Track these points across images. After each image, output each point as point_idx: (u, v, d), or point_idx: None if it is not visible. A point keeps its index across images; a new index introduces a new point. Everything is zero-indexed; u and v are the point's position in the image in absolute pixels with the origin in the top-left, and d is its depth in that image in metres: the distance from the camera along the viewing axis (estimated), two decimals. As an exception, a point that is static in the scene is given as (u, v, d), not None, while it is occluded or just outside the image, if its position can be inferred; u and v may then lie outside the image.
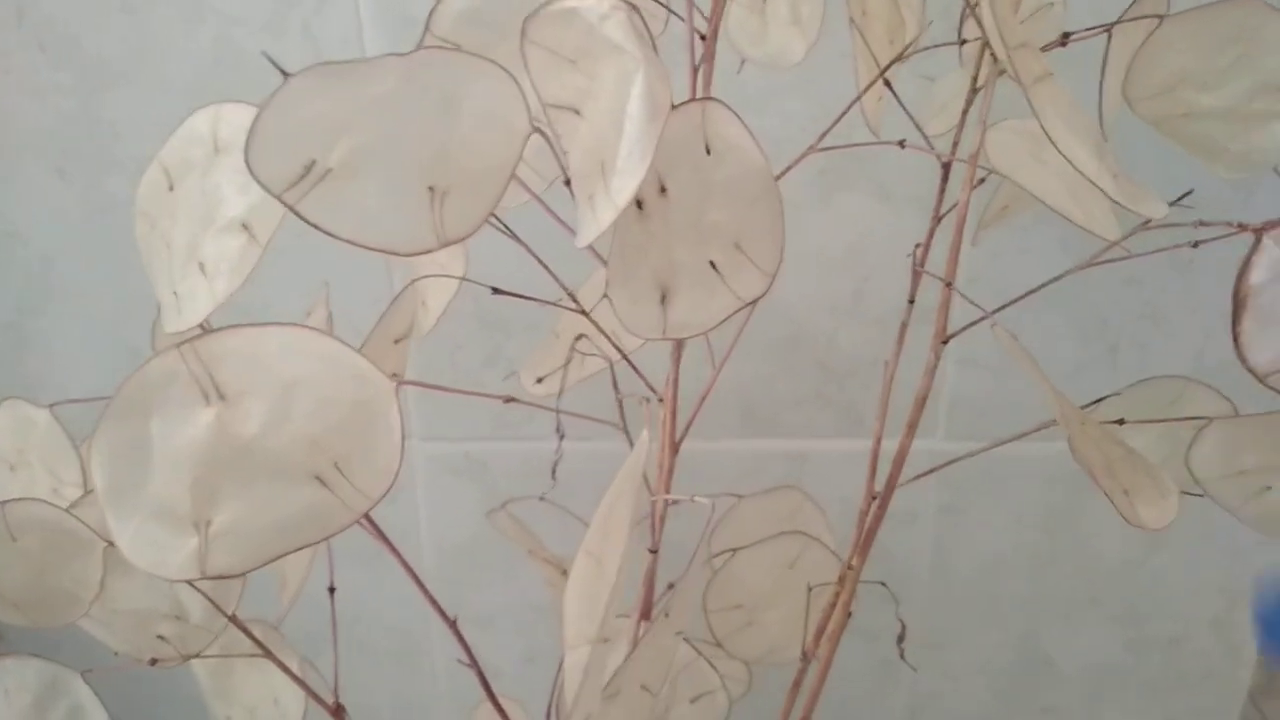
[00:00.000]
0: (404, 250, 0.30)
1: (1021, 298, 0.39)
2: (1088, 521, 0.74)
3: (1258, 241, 0.31)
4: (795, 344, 0.70)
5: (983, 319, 0.38)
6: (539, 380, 0.43)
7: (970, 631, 0.78)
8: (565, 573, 0.54)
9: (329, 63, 0.27)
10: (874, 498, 0.44)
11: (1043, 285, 0.39)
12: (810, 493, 0.73)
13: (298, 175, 0.28)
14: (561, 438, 0.35)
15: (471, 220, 0.30)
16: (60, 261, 0.69)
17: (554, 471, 0.37)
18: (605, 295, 0.32)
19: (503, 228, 0.41)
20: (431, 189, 0.29)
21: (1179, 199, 0.34)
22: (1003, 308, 0.39)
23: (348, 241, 0.29)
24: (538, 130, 0.31)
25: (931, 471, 0.46)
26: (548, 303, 0.42)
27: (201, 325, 0.34)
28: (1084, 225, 0.35)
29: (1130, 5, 0.43)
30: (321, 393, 0.31)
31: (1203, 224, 0.34)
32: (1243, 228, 0.31)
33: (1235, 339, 0.31)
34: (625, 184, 0.29)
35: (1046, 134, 0.32)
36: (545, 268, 0.41)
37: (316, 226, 0.28)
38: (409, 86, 0.28)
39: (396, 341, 0.43)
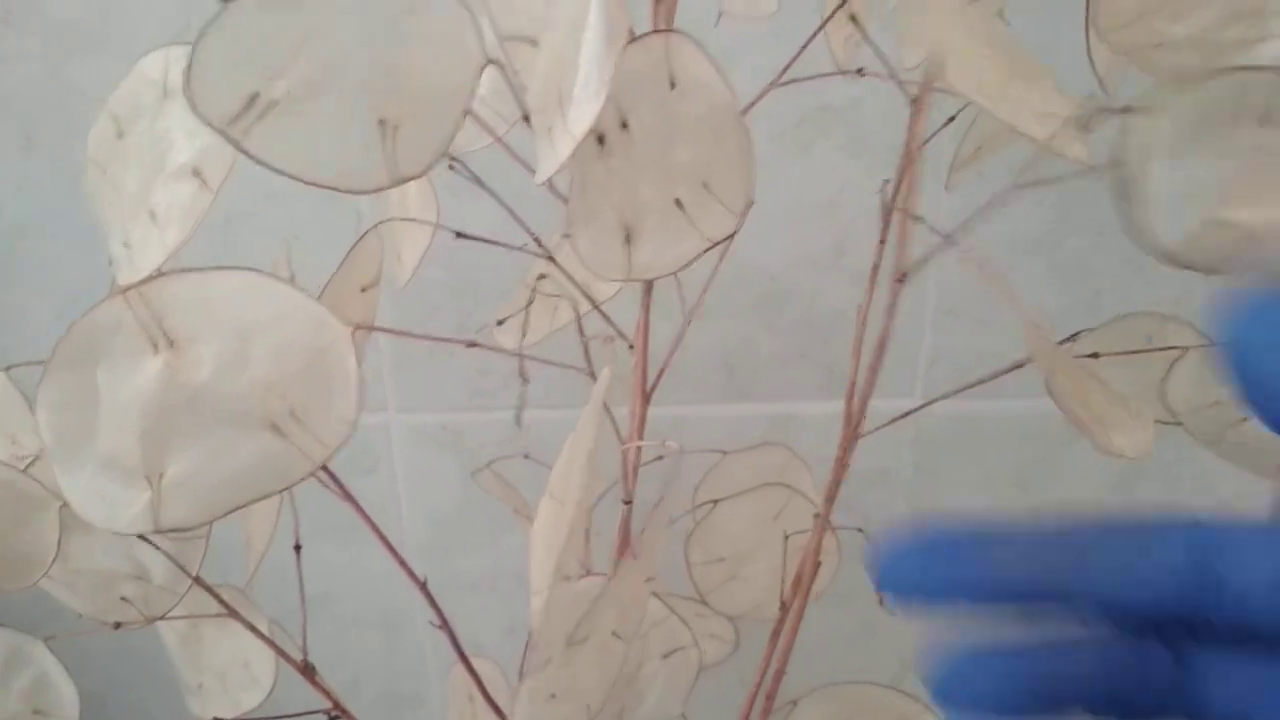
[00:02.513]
0: (357, 187, 0.29)
1: (972, 219, 0.39)
2: (1062, 479, 0.73)
3: (1128, 119, 0.30)
4: (776, 302, 0.69)
5: (941, 247, 0.38)
6: (500, 323, 0.42)
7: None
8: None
9: (267, -15, 0.26)
10: (851, 438, 0.43)
11: (983, 208, 0.38)
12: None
13: (240, 108, 0.27)
14: (525, 383, 0.34)
15: (426, 155, 0.29)
16: (29, 233, 0.67)
17: (518, 418, 0.36)
18: (565, 235, 0.31)
19: (468, 173, 0.40)
20: (383, 122, 0.28)
21: (1094, 99, 0.33)
22: (957, 230, 0.38)
23: (297, 178, 0.28)
24: (493, 62, 0.30)
25: (904, 416, 0.46)
26: (512, 247, 0.41)
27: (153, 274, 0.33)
28: (1047, 145, 0.34)
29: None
30: (276, 339, 0.30)
31: (1103, 109, 0.32)
32: (1116, 110, 0.30)
33: (1132, 226, 0.30)
34: (583, 112, 0.28)
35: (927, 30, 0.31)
36: (511, 213, 0.40)
37: (264, 163, 0.27)
38: (354, 12, 0.27)
39: (363, 289, 0.42)
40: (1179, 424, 0.39)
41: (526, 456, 0.48)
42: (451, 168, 0.41)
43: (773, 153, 0.64)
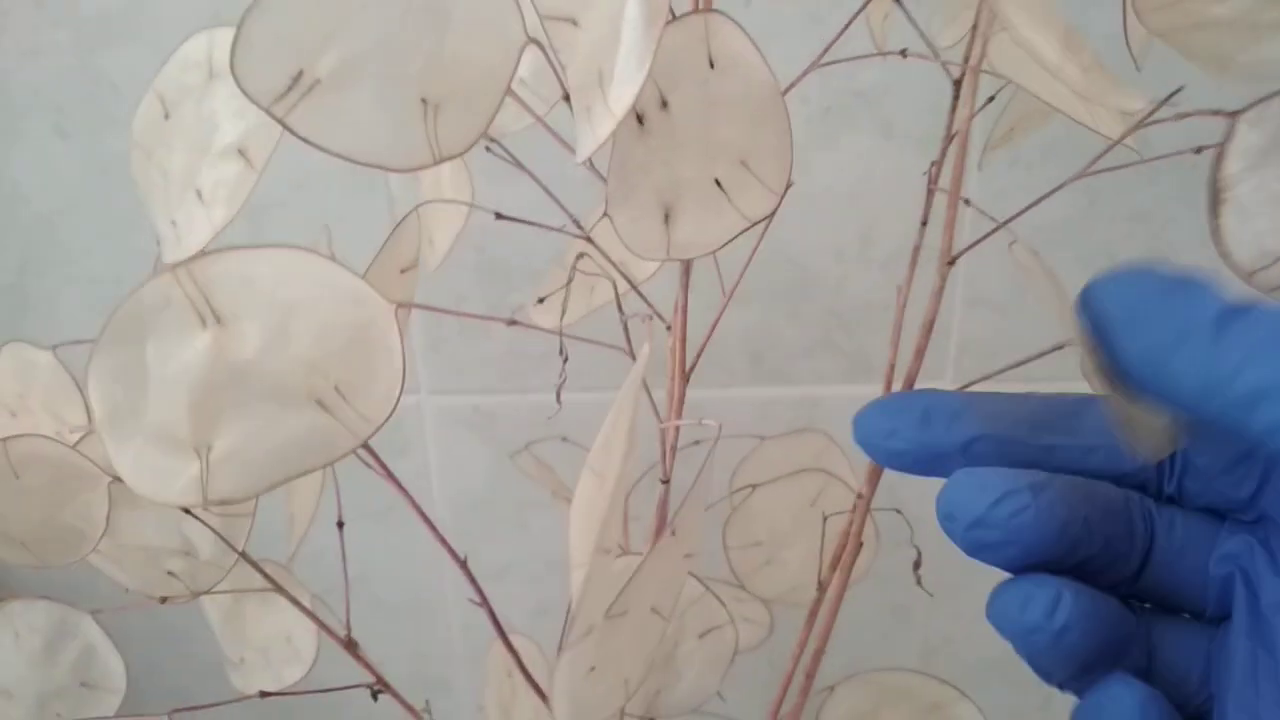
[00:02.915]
0: (399, 164, 0.29)
1: (1029, 208, 0.38)
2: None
3: (1232, 127, 0.30)
4: (803, 290, 0.69)
5: (995, 231, 0.37)
6: (540, 300, 0.42)
7: (981, 575, 0.77)
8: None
9: (314, -36, 0.26)
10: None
11: (1046, 196, 0.38)
12: (824, 438, 0.72)
13: (286, 86, 0.27)
14: (565, 359, 0.35)
15: (467, 134, 0.30)
16: (62, 221, 0.68)
17: (558, 395, 0.36)
18: (605, 214, 0.31)
19: (507, 155, 0.41)
20: (424, 101, 0.29)
21: (1169, 96, 0.33)
22: (1013, 218, 0.38)
23: (341, 155, 0.28)
24: (534, 42, 0.30)
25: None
26: (551, 228, 0.41)
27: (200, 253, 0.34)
28: (1089, 125, 0.34)
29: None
30: (320, 315, 0.30)
31: (1182, 115, 0.32)
32: (1217, 113, 0.30)
33: (1214, 235, 0.30)
34: (624, 92, 0.28)
35: (1004, 21, 0.31)
36: (549, 193, 0.40)
37: (308, 140, 0.28)
38: (398, -8, 0.27)
39: (403, 272, 0.43)
40: None
41: (564, 439, 0.49)
42: (489, 149, 0.41)
43: (801, 138, 0.64)
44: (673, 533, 0.29)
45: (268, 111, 0.27)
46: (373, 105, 0.28)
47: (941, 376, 0.71)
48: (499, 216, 0.39)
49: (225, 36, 0.35)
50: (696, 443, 0.51)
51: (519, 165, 0.40)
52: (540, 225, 0.39)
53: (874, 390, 0.49)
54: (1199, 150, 0.37)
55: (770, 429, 0.74)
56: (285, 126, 0.28)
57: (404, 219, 0.39)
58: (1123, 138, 0.35)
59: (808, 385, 0.72)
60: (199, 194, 0.34)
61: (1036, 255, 0.39)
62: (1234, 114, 0.30)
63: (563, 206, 0.40)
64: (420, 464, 0.74)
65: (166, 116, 0.36)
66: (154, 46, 0.66)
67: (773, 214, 0.35)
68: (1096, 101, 0.33)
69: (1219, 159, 0.30)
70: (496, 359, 0.70)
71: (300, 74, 0.27)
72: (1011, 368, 0.47)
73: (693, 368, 0.39)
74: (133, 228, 0.68)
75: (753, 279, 0.70)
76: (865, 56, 0.41)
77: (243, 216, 0.34)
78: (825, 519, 0.44)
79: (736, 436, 0.52)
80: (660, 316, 0.41)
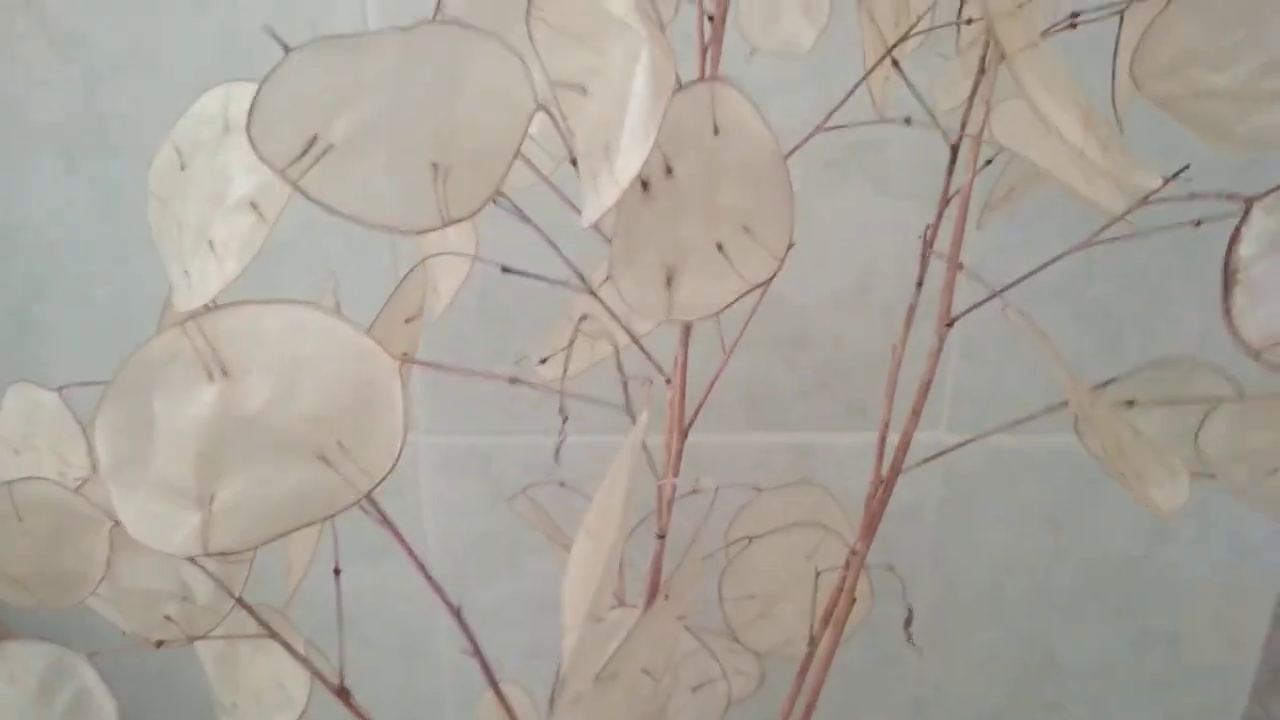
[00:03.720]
0: (408, 227, 0.30)
1: (1026, 277, 0.39)
2: (1091, 516, 0.73)
3: (1247, 212, 0.30)
4: (800, 338, 0.69)
5: (991, 298, 0.38)
6: (542, 361, 0.42)
7: (974, 627, 0.77)
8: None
9: (330, 36, 0.27)
10: (880, 483, 0.44)
11: (1044, 266, 0.39)
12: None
13: (300, 150, 0.28)
14: (565, 419, 0.35)
15: (476, 198, 0.30)
16: (66, 250, 0.69)
17: (557, 454, 0.37)
18: (609, 276, 0.32)
19: (513, 208, 0.41)
20: (435, 165, 0.29)
21: (1176, 174, 0.34)
22: (1009, 286, 0.39)
23: (351, 218, 0.29)
24: (543, 108, 0.31)
25: (939, 455, 0.46)
26: (555, 282, 0.41)
27: (209, 305, 0.34)
28: (1088, 197, 0.35)
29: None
30: (325, 370, 0.31)
31: (1195, 196, 0.33)
32: (1232, 198, 0.31)
33: (1226, 313, 0.30)
34: (629, 163, 0.29)
35: (1029, 100, 0.32)
36: (554, 247, 0.41)
37: (320, 203, 0.28)
38: (410, 61, 0.28)
39: (408, 321, 0.43)
40: (1211, 476, 0.39)
41: (562, 484, 0.49)
42: (496, 202, 0.42)
43: (799, 192, 0.65)
44: (666, 596, 0.29)
45: (281, 175, 0.28)
46: (384, 170, 0.29)
47: (936, 426, 0.71)
48: (505, 270, 0.40)
49: (241, 91, 0.36)
50: (694, 491, 0.51)
51: (524, 218, 0.41)
52: (544, 279, 0.40)
53: (869, 438, 0.49)
54: (1198, 224, 0.38)
55: (766, 475, 0.75)
56: (298, 189, 0.28)
57: (410, 271, 0.39)
58: (1126, 213, 0.36)
59: (804, 432, 0.72)
60: (211, 245, 0.35)
61: (1028, 317, 0.40)
62: (1250, 199, 0.31)
63: (566, 260, 0.41)
64: (414, 504, 0.74)
65: (183, 168, 0.36)
66: (162, 83, 0.67)
67: (773, 276, 0.35)
68: (1114, 179, 0.34)
69: (1234, 242, 0.31)
70: (492, 400, 0.71)
71: (315, 139, 0.28)
72: (1015, 423, 0.47)
73: (691, 423, 0.39)
74: (134, 256, 0.68)
75: (751, 326, 0.71)
76: (868, 123, 0.42)
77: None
78: (818, 574, 0.44)
79: (734, 487, 0.52)
80: (660, 370, 0.41)
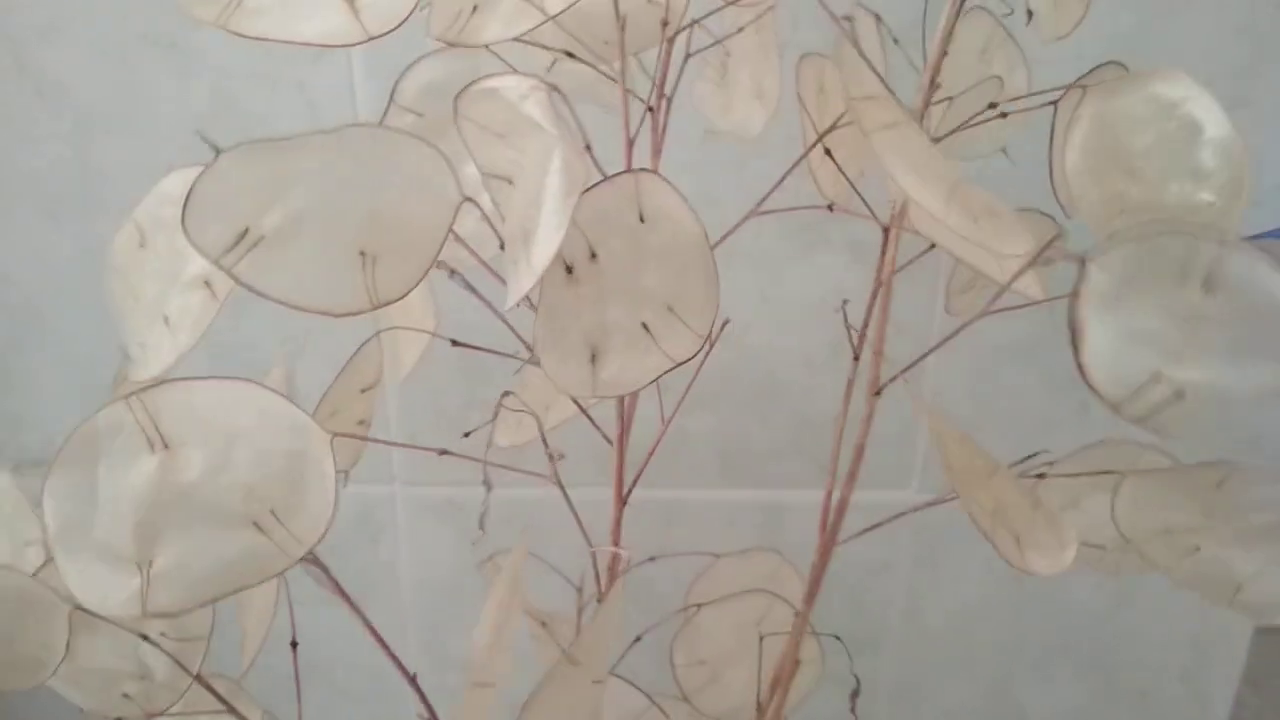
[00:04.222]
0: (337, 311, 0.32)
1: (927, 354, 0.41)
2: (1059, 573, 0.74)
3: (1082, 269, 0.31)
4: (773, 395, 0.71)
5: (897, 377, 0.40)
6: (466, 435, 0.44)
7: (943, 681, 0.78)
8: (545, 624, 0.56)
9: (260, 140, 0.29)
10: (822, 548, 0.45)
11: (946, 339, 0.40)
12: (788, 542, 0.74)
13: (232, 241, 0.30)
14: (489, 490, 0.37)
15: (405, 282, 0.32)
16: (46, 301, 0.70)
17: (481, 522, 0.38)
18: (531, 358, 0.33)
19: (464, 284, 0.43)
20: (363, 253, 0.31)
21: (1049, 242, 0.35)
22: (911, 366, 0.41)
23: (281, 303, 0.31)
24: (469, 200, 0.33)
25: (898, 517, 0.47)
26: (505, 354, 0.43)
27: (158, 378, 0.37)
28: (977, 268, 0.36)
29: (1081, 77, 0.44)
30: (259, 443, 0.33)
31: (1048, 261, 0.34)
32: (1070, 257, 0.32)
33: (1080, 369, 0.31)
34: (542, 253, 0.31)
35: (890, 176, 0.33)
36: (504, 321, 0.43)
37: (251, 289, 0.30)
38: (338, 160, 0.30)
39: (363, 391, 0.45)
40: (1100, 547, 0.40)
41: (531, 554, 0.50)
42: (451, 277, 0.44)
43: (774, 253, 0.67)
44: (573, 660, 0.31)
45: (215, 263, 0.30)
46: (313, 258, 0.31)
47: (907, 485, 0.72)
48: (454, 344, 0.42)
49: (199, 175, 0.38)
50: (652, 559, 0.52)
51: (474, 292, 0.42)
52: (492, 352, 0.42)
53: (840, 491, 0.50)
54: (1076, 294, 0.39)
55: (737, 531, 0.76)
56: (232, 276, 0.30)
57: (365, 344, 0.41)
58: (1006, 286, 0.37)
59: (775, 489, 0.73)
60: (166, 320, 0.37)
61: (919, 394, 0.41)
62: (1083, 257, 0.31)
63: (515, 333, 0.42)
64: (391, 551, 0.75)
65: (142, 245, 0.39)
66: (147, 139, 0.69)
67: (696, 355, 0.37)
68: (985, 247, 0.35)
69: (1074, 299, 0.31)
70: (470, 450, 0.72)
71: (246, 230, 0.30)
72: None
73: (629, 491, 0.41)
74: (115, 324, 0.70)
75: (724, 383, 0.72)
76: (801, 208, 0.43)
77: (223, 312, 0.36)
78: (762, 639, 0.45)
79: (693, 555, 0.54)
80: (606, 438, 0.43)
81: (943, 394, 0.70)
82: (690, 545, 0.77)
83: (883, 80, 0.34)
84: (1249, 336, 0.31)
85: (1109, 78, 0.42)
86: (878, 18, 0.45)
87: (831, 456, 0.47)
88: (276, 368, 0.43)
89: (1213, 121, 0.39)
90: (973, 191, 0.37)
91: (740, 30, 0.46)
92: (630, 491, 0.42)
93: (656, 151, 0.42)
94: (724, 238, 0.40)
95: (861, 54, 0.35)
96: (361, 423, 0.45)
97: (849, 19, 0.38)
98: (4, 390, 0.73)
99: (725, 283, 0.36)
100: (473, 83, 0.31)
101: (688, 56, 0.46)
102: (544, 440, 0.38)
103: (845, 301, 0.42)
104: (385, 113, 0.42)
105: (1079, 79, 0.44)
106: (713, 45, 0.47)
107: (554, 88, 0.31)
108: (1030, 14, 0.46)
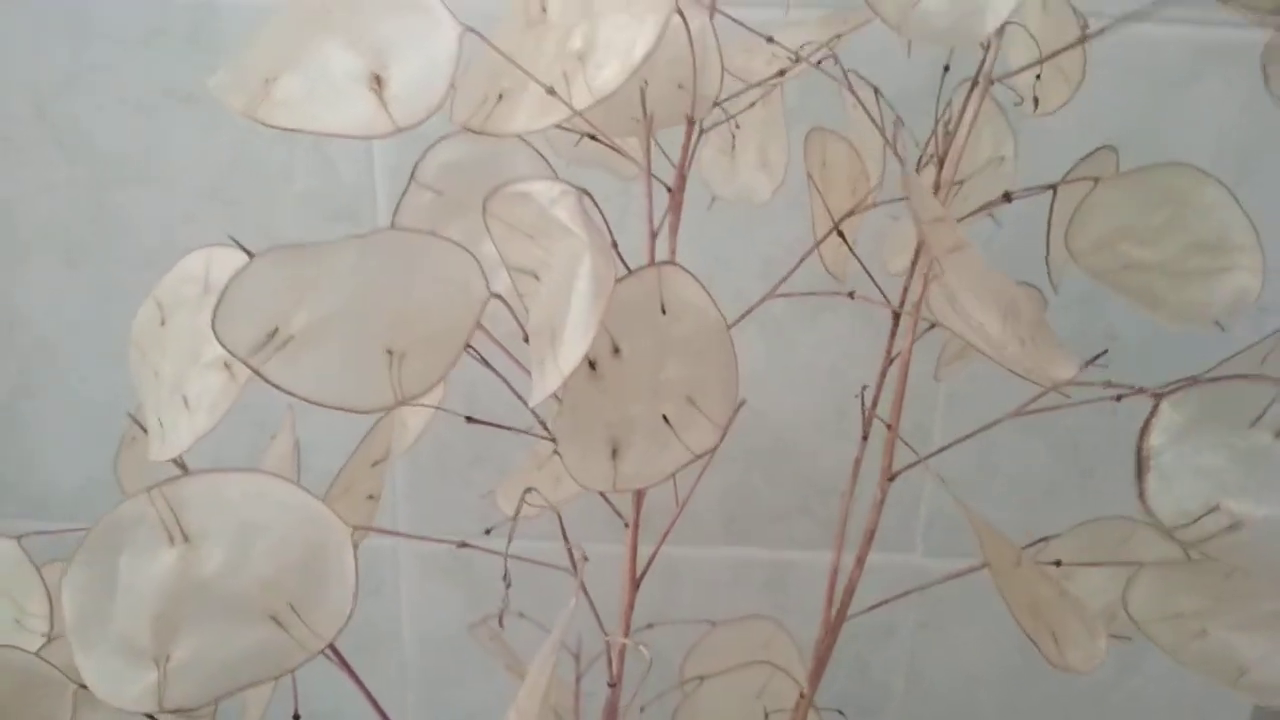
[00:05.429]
0: (364, 408, 0.32)
1: (949, 446, 0.41)
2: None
3: (1156, 406, 0.32)
4: (780, 457, 0.71)
5: (917, 463, 0.40)
6: (487, 532, 0.44)
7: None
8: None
9: (291, 245, 0.29)
10: (828, 627, 0.45)
11: (970, 435, 0.40)
12: (793, 601, 0.73)
13: (261, 342, 0.30)
14: (508, 586, 0.37)
15: (429, 379, 0.32)
16: (60, 347, 0.71)
17: (501, 620, 0.38)
18: (554, 451, 0.33)
19: (478, 358, 0.43)
20: (390, 351, 0.31)
21: (1093, 359, 0.36)
22: (935, 453, 0.41)
23: (307, 400, 0.31)
24: (497, 296, 0.33)
25: (905, 594, 0.47)
26: (520, 431, 0.43)
27: (176, 461, 0.36)
28: (1020, 373, 0.37)
29: (1075, 165, 0.45)
30: (278, 536, 0.32)
31: (1110, 385, 0.35)
32: (1141, 391, 0.33)
33: (1141, 495, 0.32)
34: (570, 354, 0.31)
35: (955, 302, 0.34)
36: (519, 398, 0.43)
37: (278, 387, 0.30)
38: (367, 263, 0.30)
39: (373, 465, 0.45)
40: (1128, 638, 0.41)
41: (521, 615, 0.50)
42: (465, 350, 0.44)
43: (783, 318, 0.67)
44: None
45: (244, 363, 0.30)
46: (341, 357, 0.31)
47: (912, 550, 0.73)
48: (470, 420, 0.42)
49: (222, 256, 0.38)
50: (649, 626, 0.52)
51: (490, 368, 0.42)
52: (507, 428, 0.42)
53: (846, 559, 0.50)
54: (1119, 398, 0.40)
55: (743, 590, 0.75)
56: (259, 374, 0.30)
57: (378, 421, 0.41)
58: (1046, 391, 0.38)
59: (781, 549, 0.73)
60: (185, 400, 0.37)
61: (943, 480, 0.42)
62: (1158, 393, 0.33)
63: (533, 411, 0.42)
64: (392, 604, 0.75)
65: (163, 323, 0.39)
66: (167, 189, 0.70)
67: (716, 447, 0.37)
68: (1033, 372, 0.36)
69: (1144, 432, 0.33)
70: (476, 505, 0.72)
71: (275, 331, 0.30)
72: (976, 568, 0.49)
73: (642, 576, 0.41)
74: (126, 357, 0.70)
75: (731, 443, 0.72)
76: (814, 294, 0.44)
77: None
78: (768, 716, 0.45)
79: (690, 623, 0.53)
80: (620, 515, 0.43)
81: (947, 459, 0.70)
82: (693, 603, 0.77)
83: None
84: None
85: (1103, 162, 0.43)
86: (877, 91, 0.46)
87: (836, 535, 0.47)
88: (284, 432, 0.43)
89: (1223, 203, 0.41)
90: (1021, 308, 0.37)
91: (751, 105, 0.47)
92: (643, 576, 0.42)
93: (674, 230, 0.42)
94: (741, 318, 0.40)
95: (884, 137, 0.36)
96: (371, 497, 0.45)
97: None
98: (14, 432, 0.73)
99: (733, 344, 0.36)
100: (503, 184, 0.31)
101: (701, 132, 0.47)
102: (564, 536, 0.38)
103: (865, 387, 0.43)
104: (405, 191, 0.43)
105: (1078, 163, 0.45)
106: (725, 121, 0.48)
107: (584, 192, 0.31)
108: (1036, 102, 0.47)
